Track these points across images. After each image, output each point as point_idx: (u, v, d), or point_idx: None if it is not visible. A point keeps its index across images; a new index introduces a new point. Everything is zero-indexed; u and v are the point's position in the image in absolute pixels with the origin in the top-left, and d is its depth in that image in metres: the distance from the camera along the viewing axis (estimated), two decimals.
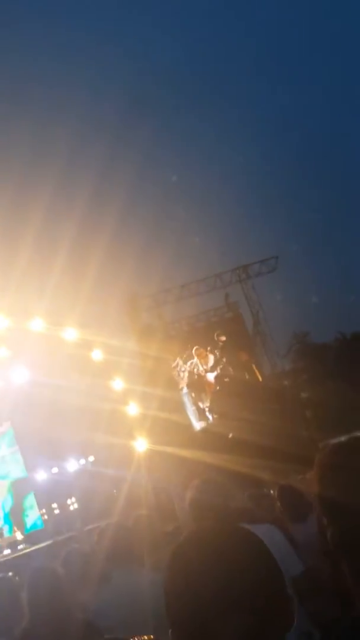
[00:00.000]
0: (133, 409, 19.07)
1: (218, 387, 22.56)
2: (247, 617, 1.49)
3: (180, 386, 22.86)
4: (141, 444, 18.70)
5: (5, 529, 17.66)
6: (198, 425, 22.31)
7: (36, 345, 18.94)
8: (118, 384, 19.29)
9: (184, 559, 1.63)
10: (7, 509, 18.01)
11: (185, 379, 22.82)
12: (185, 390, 22.74)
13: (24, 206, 18.34)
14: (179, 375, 22.84)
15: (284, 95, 40.06)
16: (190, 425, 22.30)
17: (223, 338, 23.39)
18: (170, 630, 1.57)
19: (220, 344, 23.19)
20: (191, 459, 18.46)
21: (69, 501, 18.32)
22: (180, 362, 22.89)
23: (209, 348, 23.05)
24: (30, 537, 16.82)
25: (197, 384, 22.63)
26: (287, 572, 2.86)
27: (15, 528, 17.66)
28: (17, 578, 5.22)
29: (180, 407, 22.31)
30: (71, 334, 19.45)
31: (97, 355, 19.57)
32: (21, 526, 17.46)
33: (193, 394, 22.58)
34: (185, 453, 19.30)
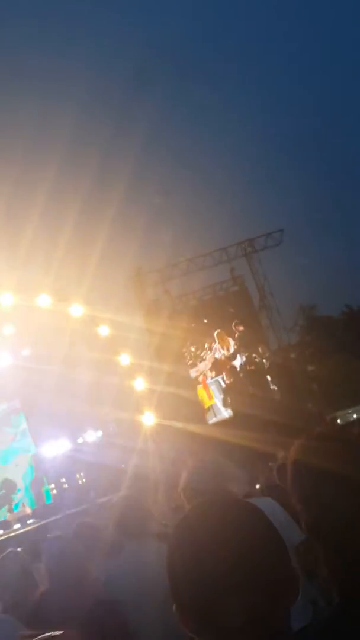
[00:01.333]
0: (140, 384, 19.18)
1: (242, 374, 22.46)
2: (254, 594, 1.47)
3: (199, 371, 22.62)
4: (149, 418, 18.82)
5: (26, 500, 17.91)
6: (226, 413, 22.12)
7: (43, 322, 19.02)
8: (125, 359, 19.38)
9: (187, 534, 1.59)
10: (28, 482, 18.24)
11: (209, 364, 22.61)
12: (212, 377, 22.46)
13: (28, 182, 18.32)
14: (197, 359, 22.62)
15: (292, 67, 39.70)
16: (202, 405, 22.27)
17: (241, 328, 23.14)
18: (174, 606, 1.56)
19: (238, 333, 22.92)
20: (199, 433, 18.57)
21: (77, 476, 18.43)
22: (193, 349, 22.66)
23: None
24: (39, 511, 16.96)
25: (220, 369, 22.48)
26: (288, 542, 2.88)
27: (24, 503, 17.84)
28: (25, 554, 5.28)
29: (186, 383, 22.33)
30: (77, 310, 19.52)
31: (103, 330, 19.65)
32: (42, 498, 17.71)
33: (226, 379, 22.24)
34: (193, 427, 19.41)
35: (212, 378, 22.55)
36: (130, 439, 18.33)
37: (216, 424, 21.54)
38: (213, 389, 22.47)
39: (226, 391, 22.28)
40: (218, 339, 22.07)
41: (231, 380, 22.33)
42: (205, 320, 22.73)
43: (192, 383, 22.60)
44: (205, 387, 22.06)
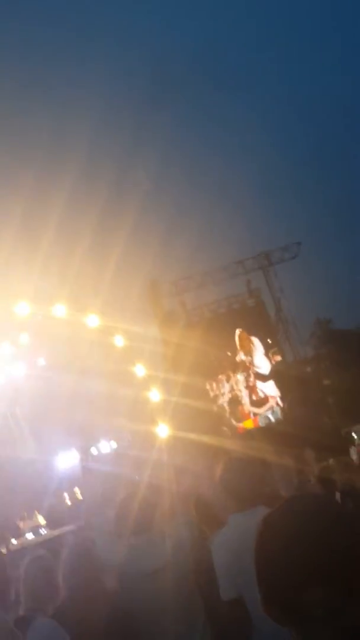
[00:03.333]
0: (155, 395, 19.13)
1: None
2: (337, 585, 1.56)
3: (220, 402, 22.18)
4: (163, 430, 18.76)
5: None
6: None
7: (58, 332, 19.05)
8: (140, 370, 19.35)
9: (276, 528, 1.67)
10: None
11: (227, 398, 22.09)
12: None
13: (46, 193, 18.40)
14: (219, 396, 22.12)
15: (311, 77, 39.68)
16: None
17: (278, 358, 22.61)
18: (260, 597, 1.65)
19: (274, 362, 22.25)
20: (214, 446, 18.48)
21: (91, 487, 18.41)
22: (215, 385, 22.12)
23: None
24: (51, 522, 16.95)
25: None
26: None
27: (37, 512, 17.82)
28: (49, 558, 5.32)
29: (201, 394, 22.21)
30: (93, 320, 19.53)
31: (119, 341, 19.65)
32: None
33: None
34: (208, 440, 19.32)
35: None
36: (145, 450, 18.28)
37: (231, 437, 21.39)
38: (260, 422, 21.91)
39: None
40: (239, 340, 21.56)
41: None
42: (240, 330, 22.27)
43: (208, 395, 22.46)
44: (255, 422, 21.59)
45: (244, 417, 21.34)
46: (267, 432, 19.53)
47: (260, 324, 24.23)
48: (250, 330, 22.80)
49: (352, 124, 37.70)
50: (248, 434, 20.90)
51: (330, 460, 8.69)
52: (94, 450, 19.18)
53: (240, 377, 21.24)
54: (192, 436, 19.33)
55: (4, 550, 15.01)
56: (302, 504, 1.72)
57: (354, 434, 19.59)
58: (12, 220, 17.49)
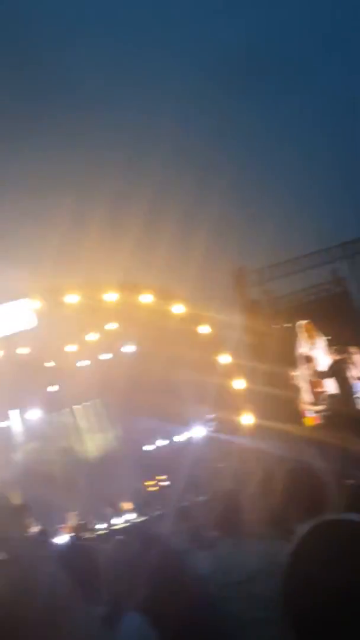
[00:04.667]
0: (240, 384, 19.17)
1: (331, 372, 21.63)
2: None
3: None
4: (248, 418, 18.79)
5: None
6: None
7: (145, 319, 19.27)
8: (225, 358, 19.43)
9: (313, 550, 1.57)
10: None
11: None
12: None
13: (133, 181, 18.57)
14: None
15: None
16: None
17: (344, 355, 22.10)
18: (287, 614, 1.55)
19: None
20: (300, 436, 18.38)
21: (177, 473, 18.60)
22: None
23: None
24: (138, 508, 17.21)
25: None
26: None
27: (124, 498, 18.13)
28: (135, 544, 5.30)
29: (285, 383, 22.06)
30: (179, 308, 19.70)
31: (204, 329, 19.76)
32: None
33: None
34: (291, 428, 19.22)
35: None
36: (230, 438, 18.35)
37: (314, 426, 21.17)
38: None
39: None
40: (305, 330, 21.17)
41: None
42: (306, 322, 22.12)
43: (292, 384, 22.27)
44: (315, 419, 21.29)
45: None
46: (345, 420, 19.22)
47: (345, 314, 23.86)
48: (332, 320, 22.44)
49: None
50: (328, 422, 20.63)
51: None
52: (180, 437, 19.35)
53: (303, 371, 20.98)
54: (276, 425, 19.27)
55: (88, 536, 15.39)
56: (336, 527, 1.61)
57: None
58: (100, 209, 17.75)
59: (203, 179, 18.22)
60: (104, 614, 3.34)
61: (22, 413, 20.65)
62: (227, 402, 19.00)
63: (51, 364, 19.77)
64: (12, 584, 1.63)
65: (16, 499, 18.38)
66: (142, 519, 15.66)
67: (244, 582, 4.14)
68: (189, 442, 19.34)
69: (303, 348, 21.29)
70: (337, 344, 22.20)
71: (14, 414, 20.55)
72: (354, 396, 21.37)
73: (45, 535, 15.13)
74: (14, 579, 1.63)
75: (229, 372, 19.25)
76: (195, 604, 3.84)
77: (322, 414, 20.61)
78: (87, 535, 15.23)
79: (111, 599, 3.59)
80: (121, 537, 5.61)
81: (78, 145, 18.81)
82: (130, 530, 13.58)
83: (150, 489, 18.36)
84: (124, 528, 14.91)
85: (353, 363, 20.62)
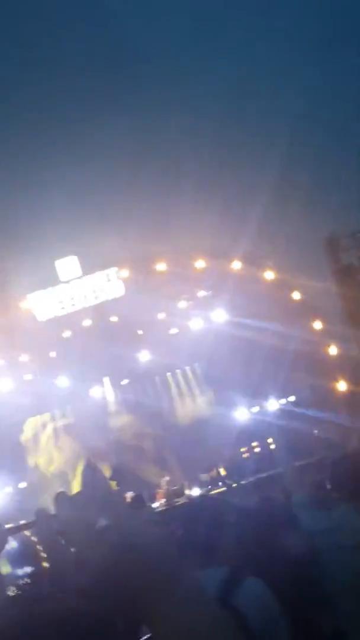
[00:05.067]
0: (333, 350, 18.87)
1: None
2: None
3: None
4: (342, 385, 18.51)
5: None
6: None
7: (236, 287, 19.14)
8: (317, 324, 19.15)
9: None
10: None
11: None
12: None
13: (221, 146, 18.35)
14: None
15: None
16: None
17: None
18: None
19: None
20: None
21: (269, 440, 18.54)
22: None
23: None
24: (232, 474, 17.22)
25: None
26: None
27: (217, 464, 18.16)
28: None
29: None
30: (269, 275, 19.48)
31: (295, 295, 19.51)
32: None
33: None
34: None
35: None
36: (323, 405, 18.14)
37: None
38: None
39: None
40: None
41: None
42: None
43: None
44: None
45: None
46: None
47: None
48: None
49: None
50: None
51: None
52: (272, 405, 19.22)
53: None
54: None
55: (183, 501, 15.51)
56: None
57: None
58: (189, 177, 17.63)
59: (294, 143, 17.81)
60: (223, 577, 3.25)
61: (113, 381, 20.91)
62: (320, 369, 18.75)
63: (141, 332, 19.89)
64: (117, 550, 1.56)
65: (110, 467, 18.77)
66: (240, 482, 15.65)
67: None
68: (281, 409, 19.19)
69: None
70: None
71: (105, 382, 20.82)
72: None
73: (140, 501, 15.36)
74: (119, 546, 1.57)
75: (322, 339, 18.98)
76: (303, 565, 3.77)
77: None
78: (182, 500, 15.34)
79: (232, 562, 3.51)
80: (266, 494, 5.53)
81: (168, 113, 18.70)
82: (222, 499, 13.60)
83: (245, 455, 18.36)
84: (220, 493, 14.91)
85: None
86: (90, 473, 17.83)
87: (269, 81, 19.51)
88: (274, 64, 19.49)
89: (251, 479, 15.64)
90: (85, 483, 17.65)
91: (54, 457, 20.18)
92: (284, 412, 18.87)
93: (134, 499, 15.17)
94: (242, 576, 3.21)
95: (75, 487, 18.36)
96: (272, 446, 18.47)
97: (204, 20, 20.35)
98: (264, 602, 3.03)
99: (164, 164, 18.13)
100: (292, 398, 19.48)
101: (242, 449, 18.48)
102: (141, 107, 18.68)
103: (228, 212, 17.90)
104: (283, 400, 19.39)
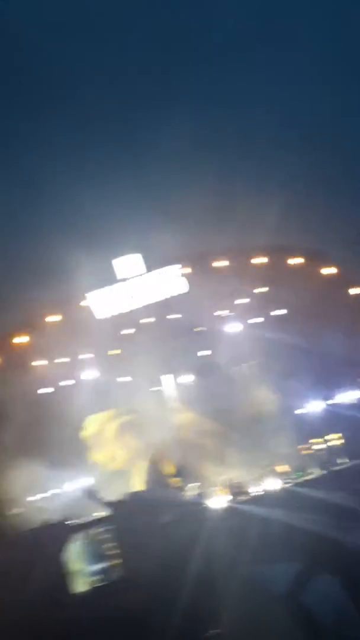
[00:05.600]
0: None
1: None
2: None
3: None
4: None
5: None
6: None
7: (295, 282, 19.02)
8: None
9: None
10: None
11: None
12: None
13: (281, 141, 18.28)
14: None
15: None
16: None
17: None
18: None
19: None
20: None
21: (341, 433, 18.39)
22: None
23: None
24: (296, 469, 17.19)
25: None
26: None
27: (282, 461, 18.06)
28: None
29: None
30: (330, 270, 19.32)
31: (355, 291, 19.30)
32: None
33: None
34: None
35: None
36: None
37: None
38: None
39: None
40: None
41: None
42: None
43: None
44: None
45: None
46: None
47: None
48: None
49: None
50: None
51: None
52: (333, 400, 19.07)
53: None
54: None
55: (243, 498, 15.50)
56: None
57: None
58: (249, 173, 17.63)
59: (357, 138, 17.63)
60: (296, 572, 3.30)
61: (174, 378, 20.95)
62: None
63: (202, 328, 19.92)
64: (177, 546, 1.65)
65: (173, 463, 18.88)
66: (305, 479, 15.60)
67: None
68: (342, 405, 19.00)
69: None
70: None
71: (167, 378, 20.88)
72: None
73: (202, 497, 15.43)
74: (178, 541, 1.66)
75: None
76: None
77: None
78: (242, 497, 15.33)
79: (306, 559, 3.55)
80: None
81: (227, 108, 18.73)
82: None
83: (305, 452, 18.23)
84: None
85: None
86: (155, 470, 18.02)
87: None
88: None
89: (311, 475, 15.61)
90: (150, 480, 17.84)
91: (117, 454, 20.29)
92: (345, 408, 18.70)
93: (195, 495, 15.28)
94: (314, 573, 3.26)
95: (137, 484, 18.47)
96: (343, 439, 18.33)
97: None
98: (336, 600, 3.08)
99: (223, 160, 18.16)
100: (353, 394, 19.28)
101: (304, 446, 18.41)
102: (204, 103, 18.71)
103: (288, 207, 17.84)
104: (344, 396, 19.20)
